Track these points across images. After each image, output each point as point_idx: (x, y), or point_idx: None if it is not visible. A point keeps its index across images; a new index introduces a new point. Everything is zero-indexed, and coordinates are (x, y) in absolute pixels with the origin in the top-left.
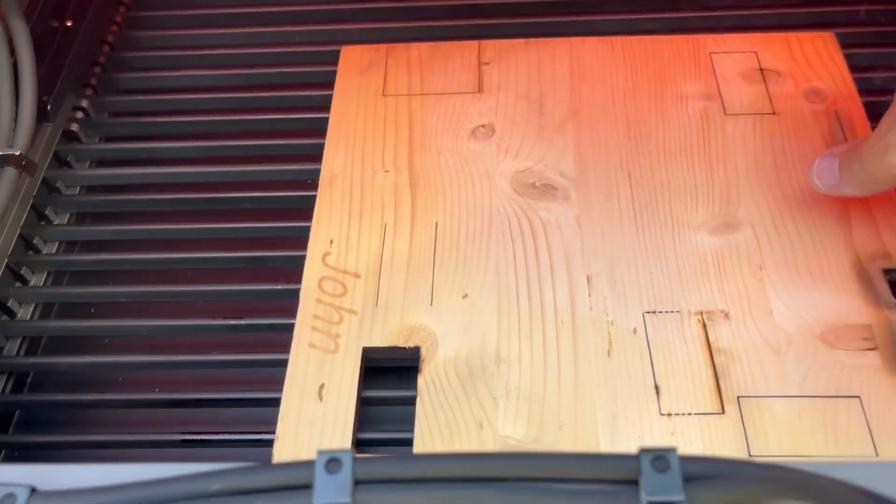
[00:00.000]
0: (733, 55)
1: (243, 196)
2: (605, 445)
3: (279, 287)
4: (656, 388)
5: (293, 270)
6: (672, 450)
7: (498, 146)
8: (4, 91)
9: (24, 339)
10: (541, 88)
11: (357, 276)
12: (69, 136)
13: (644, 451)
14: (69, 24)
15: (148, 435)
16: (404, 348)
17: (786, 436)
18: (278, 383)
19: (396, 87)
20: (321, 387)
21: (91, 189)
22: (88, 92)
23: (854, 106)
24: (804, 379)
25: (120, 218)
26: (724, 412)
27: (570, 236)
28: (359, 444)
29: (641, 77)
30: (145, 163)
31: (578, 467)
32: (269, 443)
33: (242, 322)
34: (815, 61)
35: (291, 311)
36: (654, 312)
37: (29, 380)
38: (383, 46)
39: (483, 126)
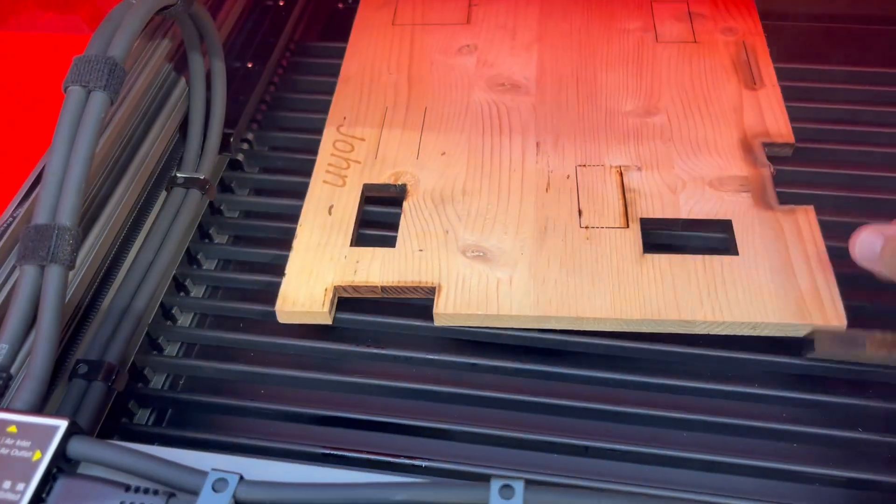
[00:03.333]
0: (669, 3)
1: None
2: (536, 244)
3: (419, 323)
4: (579, 210)
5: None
6: (520, 480)
7: (478, 59)
8: (197, 122)
9: (182, 344)
10: (515, 21)
11: (362, 139)
12: (234, 165)
13: (494, 478)
14: (249, 65)
15: (291, 445)
16: (394, 185)
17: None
18: (412, 412)
19: (403, 18)
20: (331, 207)
21: (248, 214)
22: (255, 126)
23: (759, 40)
24: (692, 208)
25: (270, 244)
26: (628, 227)
27: (527, 117)
28: (358, 242)
29: (595, 17)
30: (297, 195)
31: (434, 493)
32: (409, 468)
33: (385, 352)
34: (732, 9)
35: (426, 348)
36: (584, 166)
37: (182, 382)
38: None
39: (467, 46)
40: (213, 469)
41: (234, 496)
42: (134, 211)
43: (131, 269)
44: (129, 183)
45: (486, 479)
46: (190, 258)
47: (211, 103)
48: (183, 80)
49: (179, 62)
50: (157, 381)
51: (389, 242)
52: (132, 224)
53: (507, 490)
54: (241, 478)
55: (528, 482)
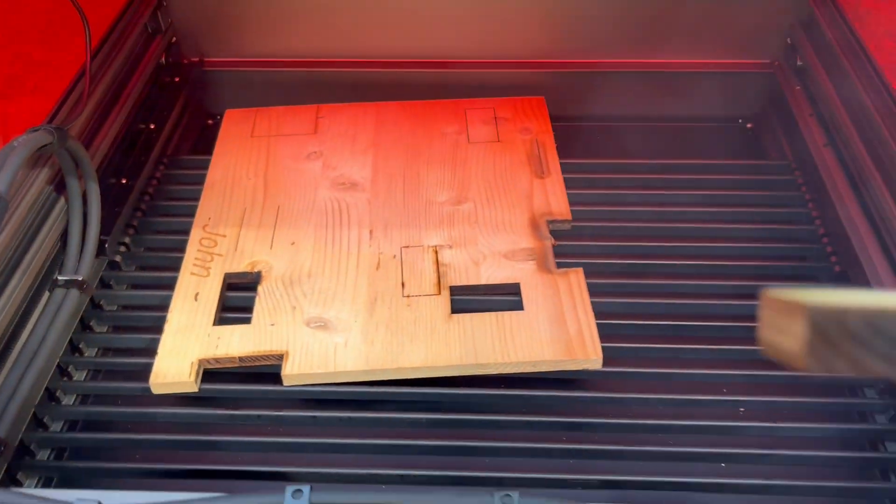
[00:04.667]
0: (480, 110)
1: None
2: (367, 312)
3: (270, 388)
4: (403, 283)
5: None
6: (307, 485)
7: (323, 163)
8: (75, 233)
9: (65, 421)
10: (355, 130)
11: (224, 235)
12: (112, 265)
13: (288, 485)
14: (124, 181)
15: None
16: (251, 273)
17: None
18: (264, 461)
19: (261, 131)
20: (197, 294)
21: (125, 307)
22: (131, 231)
23: (548, 137)
24: (490, 276)
25: (147, 330)
26: (440, 294)
27: (363, 210)
28: (221, 322)
29: (420, 123)
30: (169, 288)
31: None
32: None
33: (242, 412)
34: (529, 113)
35: (276, 407)
36: (407, 247)
37: (66, 454)
38: (253, 109)
39: (315, 152)
40: (79, 499)
41: None
42: (20, 310)
43: (18, 358)
44: (15, 287)
45: None
46: (73, 347)
47: (87, 218)
48: (63, 199)
49: (59, 184)
50: (43, 455)
51: (248, 322)
52: (18, 322)
53: (298, 493)
54: (100, 503)
55: (314, 487)
